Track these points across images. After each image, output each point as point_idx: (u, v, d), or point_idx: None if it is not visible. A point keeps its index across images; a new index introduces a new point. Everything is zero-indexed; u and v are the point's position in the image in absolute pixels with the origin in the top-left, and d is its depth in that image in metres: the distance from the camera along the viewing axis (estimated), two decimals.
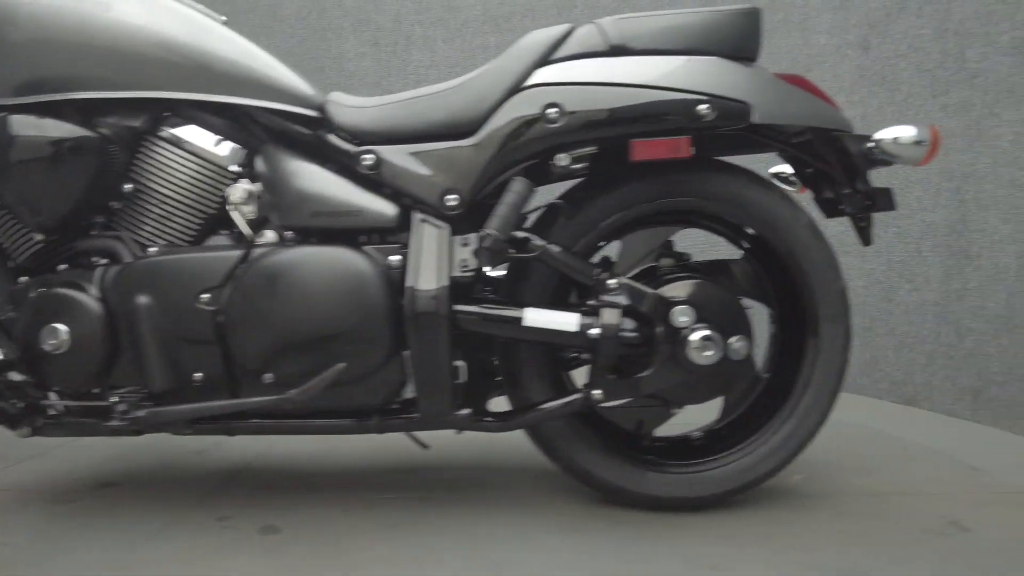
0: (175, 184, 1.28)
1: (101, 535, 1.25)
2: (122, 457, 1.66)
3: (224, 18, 1.43)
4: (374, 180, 1.24)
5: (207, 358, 1.23)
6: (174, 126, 1.29)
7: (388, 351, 1.21)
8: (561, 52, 1.23)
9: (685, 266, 1.37)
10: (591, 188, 1.31)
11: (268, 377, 1.22)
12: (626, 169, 1.28)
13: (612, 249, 1.37)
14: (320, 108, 1.28)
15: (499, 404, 1.35)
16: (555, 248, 1.24)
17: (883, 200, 1.32)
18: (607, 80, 1.19)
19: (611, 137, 1.22)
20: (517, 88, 1.21)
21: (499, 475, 1.54)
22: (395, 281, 1.21)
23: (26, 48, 1.22)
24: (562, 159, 1.21)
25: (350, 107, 1.28)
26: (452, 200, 1.21)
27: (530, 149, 1.21)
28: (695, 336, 1.20)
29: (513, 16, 2.80)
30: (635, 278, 1.27)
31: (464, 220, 1.26)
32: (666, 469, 1.34)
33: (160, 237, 1.28)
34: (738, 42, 1.25)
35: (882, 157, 1.23)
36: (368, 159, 1.23)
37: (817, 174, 1.36)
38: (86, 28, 1.22)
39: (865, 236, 1.39)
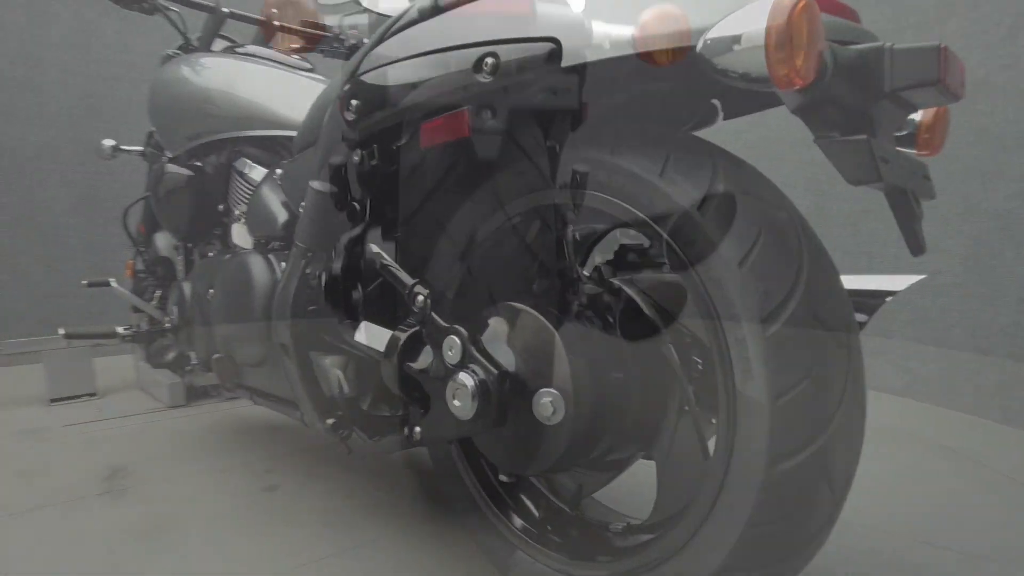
0: (237, 203, 1.58)
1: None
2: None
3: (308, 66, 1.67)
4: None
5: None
6: (236, 158, 1.58)
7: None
8: (394, 27, 1.05)
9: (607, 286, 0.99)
10: None
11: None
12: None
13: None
14: None
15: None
16: (375, 253, 1.07)
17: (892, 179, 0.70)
18: (401, 55, 0.97)
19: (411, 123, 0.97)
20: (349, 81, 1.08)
21: None
22: None
23: (181, 113, 1.65)
24: (355, 156, 1.02)
25: None
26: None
27: (341, 150, 1.06)
28: (456, 377, 0.89)
29: None
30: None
31: None
32: (544, 558, 1.00)
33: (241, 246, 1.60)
34: None
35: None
36: (278, 171, 1.28)
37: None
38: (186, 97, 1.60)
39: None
